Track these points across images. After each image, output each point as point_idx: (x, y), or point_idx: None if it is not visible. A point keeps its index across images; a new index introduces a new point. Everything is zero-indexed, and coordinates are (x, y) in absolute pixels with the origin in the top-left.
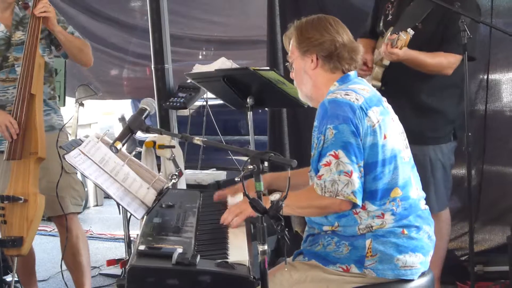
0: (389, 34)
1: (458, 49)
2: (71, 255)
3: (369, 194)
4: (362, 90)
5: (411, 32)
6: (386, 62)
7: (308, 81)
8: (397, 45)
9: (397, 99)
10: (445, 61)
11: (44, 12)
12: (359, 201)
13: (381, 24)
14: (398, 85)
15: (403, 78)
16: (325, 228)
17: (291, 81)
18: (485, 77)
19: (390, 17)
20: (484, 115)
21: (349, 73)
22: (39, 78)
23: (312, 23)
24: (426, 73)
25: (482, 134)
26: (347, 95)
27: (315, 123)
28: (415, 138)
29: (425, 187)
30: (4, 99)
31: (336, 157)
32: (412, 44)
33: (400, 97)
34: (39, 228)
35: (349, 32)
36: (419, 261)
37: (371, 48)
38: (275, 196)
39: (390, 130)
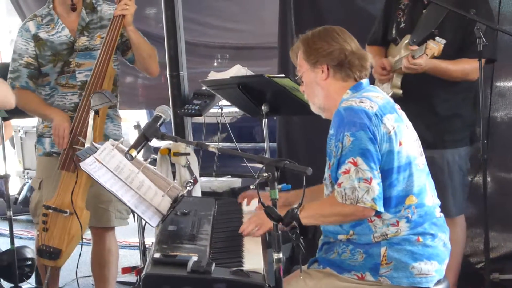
0: (406, 42)
1: (481, 54)
2: (98, 266)
3: (384, 201)
4: (376, 97)
5: (442, 41)
6: (408, 71)
7: (320, 92)
8: (427, 54)
9: (415, 104)
10: (468, 67)
11: (125, 9)
12: (379, 207)
13: (393, 32)
14: (415, 90)
15: (420, 83)
16: (340, 237)
17: None
18: (504, 84)
19: (403, 24)
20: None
21: (361, 81)
22: (107, 89)
23: (319, 35)
24: (445, 79)
25: (499, 141)
26: (362, 102)
27: (331, 131)
28: (433, 142)
29: (443, 190)
30: (62, 105)
31: (355, 164)
32: None
33: (418, 102)
34: None
35: (356, 41)
36: (434, 269)
37: (383, 55)
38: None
39: (405, 137)
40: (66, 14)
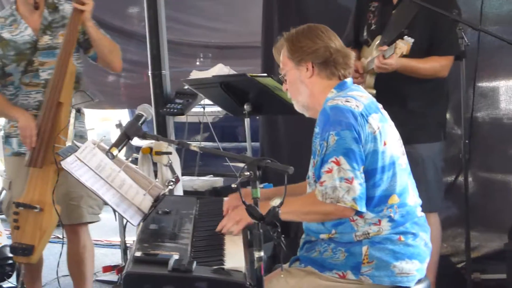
0: (377, 43)
1: (448, 50)
2: (75, 264)
3: (367, 201)
4: (361, 97)
5: (410, 40)
6: (381, 71)
7: (305, 91)
8: (396, 53)
9: (388, 103)
10: (438, 64)
11: (82, 6)
12: (360, 207)
13: (365, 34)
14: (389, 89)
15: (393, 82)
16: (322, 235)
17: None
18: (485, 84)
19: (373, 26)
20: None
21: (345, 80)
22: (69, 86)
23: (303, 33)
24: (416, 77)
25: (480, 142)
26: (348, 101)
27: (316, 130)
28: (407, 137)
29: (417, 185)
30: (26, 103)
31: (338, 163)
32: None
33: (391, 101)
34: None
35: (339, 39)
36: (416, 268)
37: (356, 57)
38: (276, 201)
39: (389, 137)
40: (28, 14)
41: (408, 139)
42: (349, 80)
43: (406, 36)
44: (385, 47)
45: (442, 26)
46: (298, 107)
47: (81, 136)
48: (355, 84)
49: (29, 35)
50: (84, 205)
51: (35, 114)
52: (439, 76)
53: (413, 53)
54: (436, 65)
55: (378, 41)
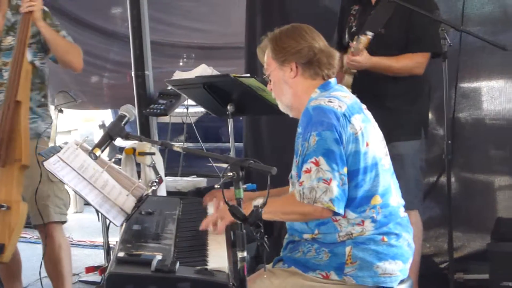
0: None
1: (423, 47)
2: (52, 264)
3: (349, 201)
4: (344, 97)
5: (369, 33)
6: (354, 70)
7: (288, 91)
8: (359, 48)
9: (367, 101)
10: (410, 62)
11: (30, 6)
12: (337, 209)
13: (346, 36)
14: (367, 89)
15: (371, 82)
16: (306, 236)
17: None
18: (467, 85)
19: (354, 28)
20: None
21: (329, 80)
22: (26, 84)
23: (287, 33)
24: (394, 76)
25: (463, 142)
26: (331, 102)
27: (299, 130)
28: (387, 135)
29: None
30: None
31: (317, 164)
32: (378, 49)
33: (370, 99)
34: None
35: (323, 39)
36: (399, 269)
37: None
38: (258, 201)
39: (372, 138)
40: None
41: (386, 138)
42: (333, 80)
43: (368, 31)
44: (353, 43)
45: (418, 24)
46: (282, 107)
47: (47, 138)
48: (339, 85)
49: None
50: (51, 204)
51: None
52: (414, 73)
53: (391, 51)
54: (408, 62)
55: (355, 42)
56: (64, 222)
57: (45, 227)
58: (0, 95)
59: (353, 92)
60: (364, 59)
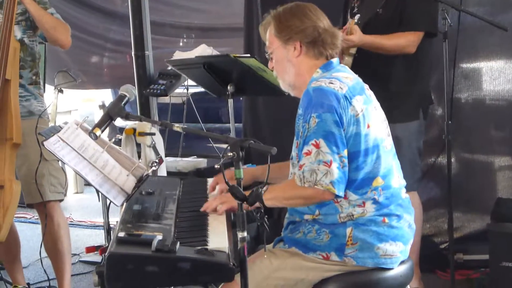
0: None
1: (415, 26)
2: (51, 243)
3: (350, 183)
4: (346, 78)
5: (356, 18)
6: (353, 51)
7: (291, 69)
8: (350, 31)
9: (367, 82)
10: (403, 40)
11: None
12: (337, 191)
13: (348, 17)
14: (367, 69)
15: (370, 62)
16: (306, 216)
17: None
18: (467, 65)
19: (355, 9)
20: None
21: (331, 60)
22: (14, 63)
23: (291, 11)
24: (391, 55)
25: (463, 123)
26: (332, 83)
27: (299, 111)
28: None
29: None
30: None
31: (317, 146)
32: (375, 28)
33: (370, 80)
34: (19, 215)
35: (327, 18)
36: (399, 250)
37: None
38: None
39: (373, 119)
40: None
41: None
42: (335, 60)
43: (356, 15)
44: (347, 25)
45: (410, 2)
46: (284, 86)
47: (40, 116)
48: (341, 65)
49: None
50: (46, 183)
51: None
52: (406, 52)
53: (386, 29)
54: (400, 41)
55: (356, 20)
56: (61, 201)
57: (42, 205)
58: None
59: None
60: (356, 38)
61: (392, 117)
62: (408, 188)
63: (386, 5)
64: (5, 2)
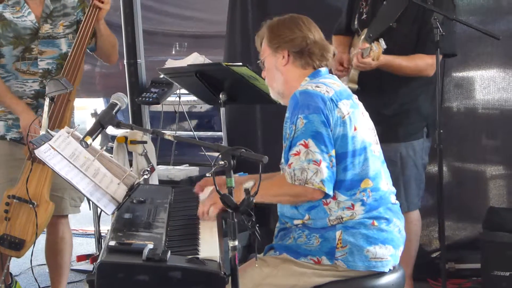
0: (361, 40)
1: (433, 49)
2: (52, 254)
3: (339, 183)
4: (333, 84)
5: (383, 44)
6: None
7: (280, 78)
8: (370, 55)
9: (371, 98)
10: (422, 63)
11: (102, 4)
12: (327, 190)
13: (356, 23)
14: (373, 85)
15: (378, 78)
16: (296, 221)
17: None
18: (459, 74)
19: (364, 15)
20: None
21: (320, 69)
22: (77, 83)
23: (284, 22)
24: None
25: (455, 131)
26: (318, 87)
27: (287, 115)
28: (387, 135)
29: (395, 184)
30: (21, 91)
31: (306, 146)
32: (388, 44)
33: (374, 96)
34: None
35: (320, 32)
36: (390, 254)
37: (347, 45)
38: (249, 183)
39: (360, 123)
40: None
41: (388, 138)
42: (323, 69)
43: (381, 40)
44: (364, 45)
45: (428, 23)
46: (273, 94)
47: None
48: (331, 74)
49: (31, 21)
50: (68, 197)
51: (30, 103)
52: (424, 75)
53: (402, 48)
54: (420, 63)
55: (364, 34)
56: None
57: (53, 218)
58: (34, 85)
59: (359, 87)
60: (375, 63)
61: (397, 136)
62: (414, 207)
63: (402, 19)
64: (85, 20)
